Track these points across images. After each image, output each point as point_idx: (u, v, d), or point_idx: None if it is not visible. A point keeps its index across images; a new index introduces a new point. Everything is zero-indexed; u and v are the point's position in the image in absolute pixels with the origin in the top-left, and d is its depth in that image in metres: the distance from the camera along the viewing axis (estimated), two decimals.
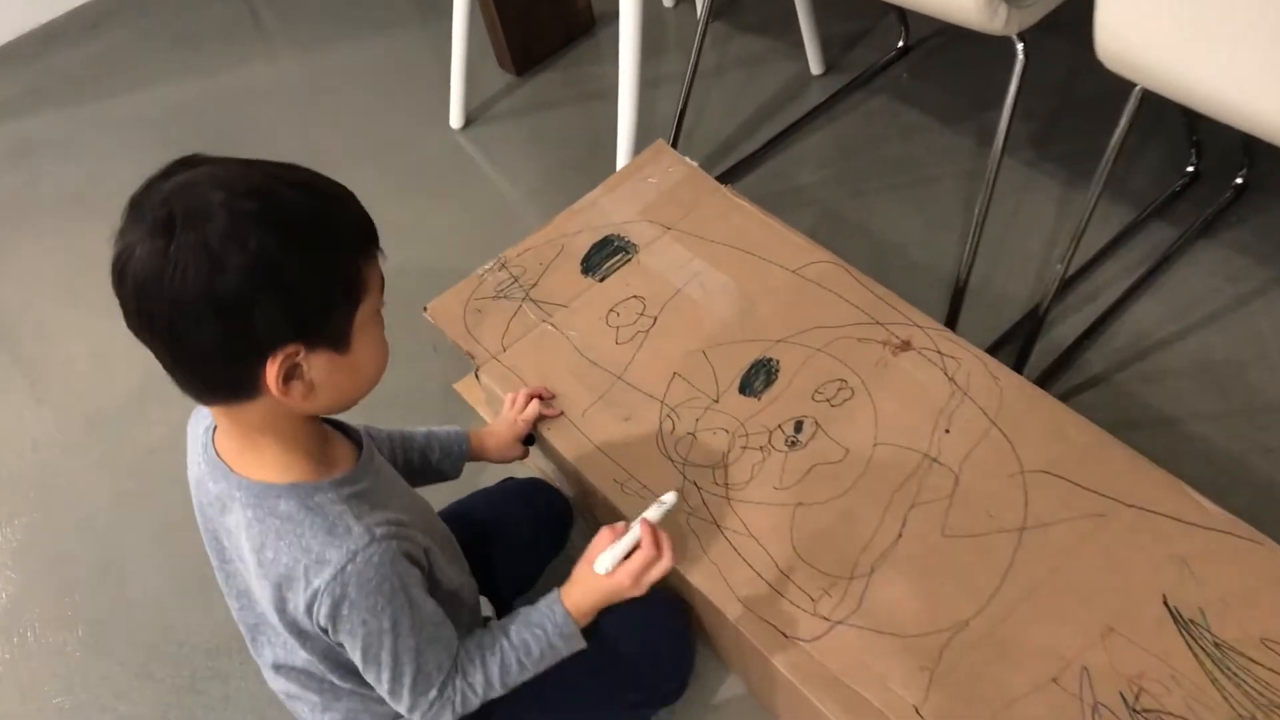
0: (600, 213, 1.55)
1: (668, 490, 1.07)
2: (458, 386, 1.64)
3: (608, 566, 1.01)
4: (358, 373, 0.87)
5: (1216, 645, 1.01)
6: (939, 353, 1.28)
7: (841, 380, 1.28)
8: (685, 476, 1.23)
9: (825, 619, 1.10)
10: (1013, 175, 1.84)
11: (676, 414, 1.30)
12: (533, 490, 1.39)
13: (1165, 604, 1.04)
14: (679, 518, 1.20)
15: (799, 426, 1.25)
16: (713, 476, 1.23)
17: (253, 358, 0.80)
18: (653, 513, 1.04)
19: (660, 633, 1.19)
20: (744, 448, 1.25)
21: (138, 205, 0.78)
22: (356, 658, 0.92)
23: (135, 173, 0.82)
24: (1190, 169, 1.77)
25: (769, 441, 1.25)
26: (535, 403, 1.30)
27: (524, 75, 2.29)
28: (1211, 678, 0.99)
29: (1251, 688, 0.98)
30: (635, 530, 1.02)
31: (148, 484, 1.68)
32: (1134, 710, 0.99)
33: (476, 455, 1.27)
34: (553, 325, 1.42)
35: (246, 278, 0.75)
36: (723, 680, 1.30)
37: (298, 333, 0.80)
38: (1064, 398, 1.52)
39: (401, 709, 0.97)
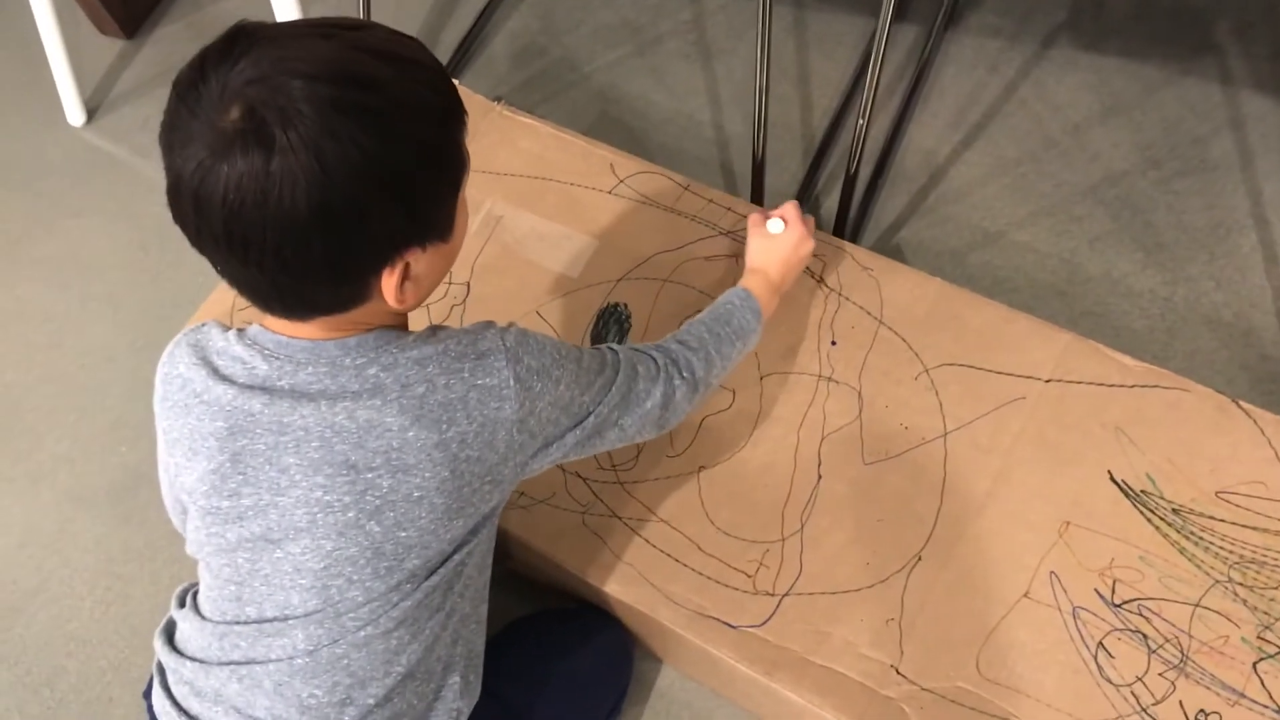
0: None
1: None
2: None
3: (780, 226, 1.06)
4: (452, 256, 0.77)
5: (1175, 511, 0.95)
6: None
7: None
8: (564, 470, 1.05)
9: (770, 594, 0.97)
10: (737, 16, 1.69)
11: None
12: None
13: (1113, 479, 0.97)
14: (574, 522, 1.02)
15: None
16: (595, 461, 1.06)
17: (369, 269, 0.69)
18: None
19: (602, 653, 1.04)
20: None
21: (193, 107, 0.62)
22: (570, 402, 0.79)
23: None
24: None
25: None
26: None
27: (136, 36, 1.85)
28: (1179, 547, 0.94)
29: (1219, 548, 0.93)
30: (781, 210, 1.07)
31: None
32: (1114, 605, 0.92)
33: None
34: None
35: (360, 181, 0.63)
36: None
37: (416, 233, 0.70)
38: (882, 241, 1.43)
39: (651, 406, 0.86)
